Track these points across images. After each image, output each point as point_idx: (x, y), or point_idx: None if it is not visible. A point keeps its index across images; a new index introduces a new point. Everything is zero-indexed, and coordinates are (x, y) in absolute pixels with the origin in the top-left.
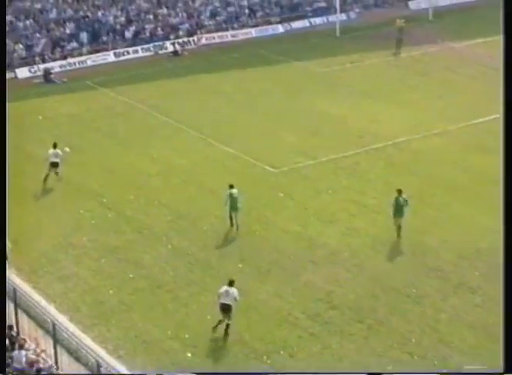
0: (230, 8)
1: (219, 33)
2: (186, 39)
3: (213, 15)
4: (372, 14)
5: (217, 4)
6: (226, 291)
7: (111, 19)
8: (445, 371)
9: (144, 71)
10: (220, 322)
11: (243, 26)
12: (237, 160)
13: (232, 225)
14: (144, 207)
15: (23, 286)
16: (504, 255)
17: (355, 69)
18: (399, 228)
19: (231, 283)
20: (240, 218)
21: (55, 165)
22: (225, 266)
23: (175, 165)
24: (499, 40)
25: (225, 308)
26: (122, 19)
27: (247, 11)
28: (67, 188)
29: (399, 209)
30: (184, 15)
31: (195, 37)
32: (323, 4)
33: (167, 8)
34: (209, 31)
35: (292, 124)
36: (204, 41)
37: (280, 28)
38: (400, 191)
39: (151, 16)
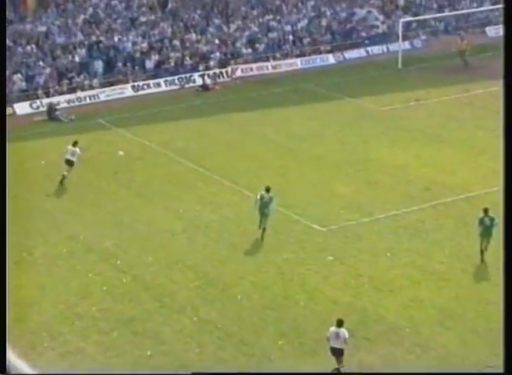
0: (271, 35)
1: (258, 64)
2: (218, 70)
3: (251, 42)
4: (442, 42)
5: (255, 29)
6: (336, 334)
7: (129, 45)
8: (445, 371)
9: (168, 108)
10: (336, 369)
11: (286, 56)
12: (277, 216)
13: (260, 228)
14: (165, 270)
15: (19, 364)
16: (504, 255)
17: (420, 107)
18: (483, 252)
19: (340, 323)
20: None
21: (69, 163)
22: (261, 343)
23: (203, 221)
24: None
25: (336, 353)
26: (143, 45)
27: (291, 37)
28: (74, 246)
29: (485, 230)
30: (216, 41)
31: (229, 69)
32: (382, 30)
33: (196, 33)
34: (246, 61)
35: (344, 173)
36: (239, 73)
37: (331, 58)
38: (486, 210)
39: (177, 43)
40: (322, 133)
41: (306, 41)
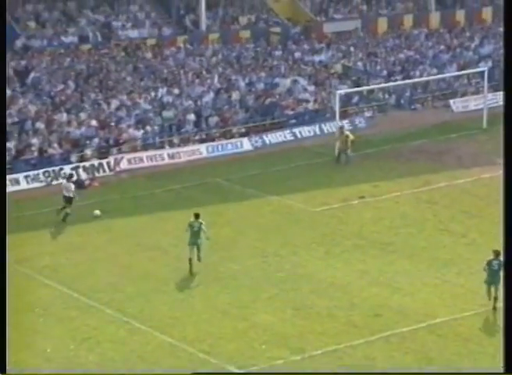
0: (167, 113)
1: (150, 153)
2: (96, 162)
3: (140, 123)
4: (392, 120)
5: (146, 106)
6: None
7: None
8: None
9: (29, 213)
10: None
11: (187, 141)
12: (179, 354)
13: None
14: None
15: None
16: (504, 255)
17: (366, 207)
18: (495, 300)
19: None
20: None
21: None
22: None
23: (78, 364)
24: None
25: None
26: None
27: (193, 117)
28: None
29: (493, 275)
30: (94, 123)
31: (111, 159)
32: (314, 105)
33: (67, 112)
34: (134, 149)
35: (266, 296)
36: (125, 165)
37: (246, 143)
38: (497, 253)
39: (42, 125)
40: (235, 243)
41: (213, 120)
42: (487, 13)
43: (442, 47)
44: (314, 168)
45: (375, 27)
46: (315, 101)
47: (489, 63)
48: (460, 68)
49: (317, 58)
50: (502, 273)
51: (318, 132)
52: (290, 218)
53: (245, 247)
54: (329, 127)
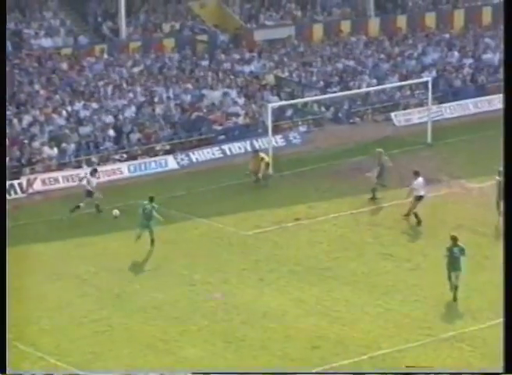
0: (84, 129)
1: (66, 173)
2: (7, 183)
3: (54, 141)
4: (330, 134)
5: (61, 122)
6: None
7: None
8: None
9: None
10: None
11: (106, 160)
12: None
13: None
14: None
15: None
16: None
17: (301, 230)
18: (455, 289)
19: None
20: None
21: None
22: None
23: None
24: None
25: None
26: None
27: (112, 133)
28: None
29: (453, 262)
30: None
31: (23, 180)
32: (244, 119)
33: None
34: (48, 168)
35: (195, 328)
36: (38, 187)
37: (171, 162)
38: (454, 239)
39: None
40: (160, 270)
41: (134, 137)
42: (431, 19)
43: (382, 55)
44: (245, 188)
45: (309, 35)
46: (246, 115)
47: (433, 73)
48: (402, 78)
49: (247, 68)
50: (464, 260)
51: (249, 148)
52: (220, 242)
53: (171, 274)
54: (261, 143)
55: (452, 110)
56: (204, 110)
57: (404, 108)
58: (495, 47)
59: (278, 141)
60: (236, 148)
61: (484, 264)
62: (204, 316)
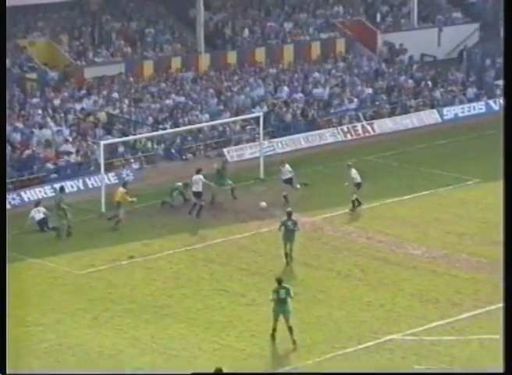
0: None
1: None
2: None
3: None
4: (162, 171)
5: None
6: None
7: None
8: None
9: None
10: None
11: None
12: None
13: None
14: None
15: None
16: (504, 256)
17: (136, 267)
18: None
19: None
20: None
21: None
22: None
23: None
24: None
25: None
26: None
27: None
28: None
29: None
30: None
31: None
32: (76, 157)
33: None
34: None
35: (27, 369)
36: None
37: None
38: (279, 281)
39: None
40: None
41: None
42: (260, 54)
43: (211, 91)
44: (78, 226)
45: (140, 71)
46: (78, 152)
47: (264, 108)
48: (234, 113)
49: (78, 105)
50: (290, 302)
51: (81, 187)
52: (54, 282)
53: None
54: (94, 181)
55: (283, 145)
56: (34, 147)
57: (236, 144)
58: (324, 81)
59: (110, 178)
60: (69, 186)
61: (318, 297)
62: (38, 358)
